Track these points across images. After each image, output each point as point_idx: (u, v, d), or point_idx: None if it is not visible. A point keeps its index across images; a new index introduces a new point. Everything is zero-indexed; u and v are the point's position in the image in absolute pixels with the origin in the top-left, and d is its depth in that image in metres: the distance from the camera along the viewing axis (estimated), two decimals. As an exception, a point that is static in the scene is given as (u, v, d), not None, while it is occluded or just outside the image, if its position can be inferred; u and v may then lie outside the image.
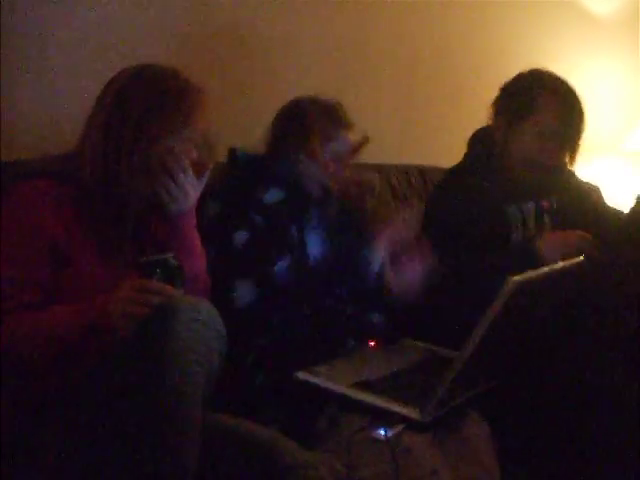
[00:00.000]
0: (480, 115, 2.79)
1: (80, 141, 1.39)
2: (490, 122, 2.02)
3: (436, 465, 1.34)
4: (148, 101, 1.35)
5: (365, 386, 1.43)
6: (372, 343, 1.68)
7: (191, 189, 1.38)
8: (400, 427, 1.32)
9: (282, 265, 1.63)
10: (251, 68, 2.37)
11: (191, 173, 1.37)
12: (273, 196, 1.68)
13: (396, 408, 1.35)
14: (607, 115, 3.17)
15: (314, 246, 1.72)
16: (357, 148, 1.80)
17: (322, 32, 2.49)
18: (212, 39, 2.32)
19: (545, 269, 1.38)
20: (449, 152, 2.46)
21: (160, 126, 1.35)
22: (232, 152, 1.79)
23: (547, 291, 1.46)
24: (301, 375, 1.46)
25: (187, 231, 1.43)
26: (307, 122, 1.79)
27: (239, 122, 2.18)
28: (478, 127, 2.33)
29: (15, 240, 1.30)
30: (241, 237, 1.62)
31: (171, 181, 1.36)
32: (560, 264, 1.45)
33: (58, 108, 1.97)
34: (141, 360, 1.13)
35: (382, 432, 1.30)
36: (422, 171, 2.48)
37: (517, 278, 1.23)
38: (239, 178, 1.73)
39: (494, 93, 2.79)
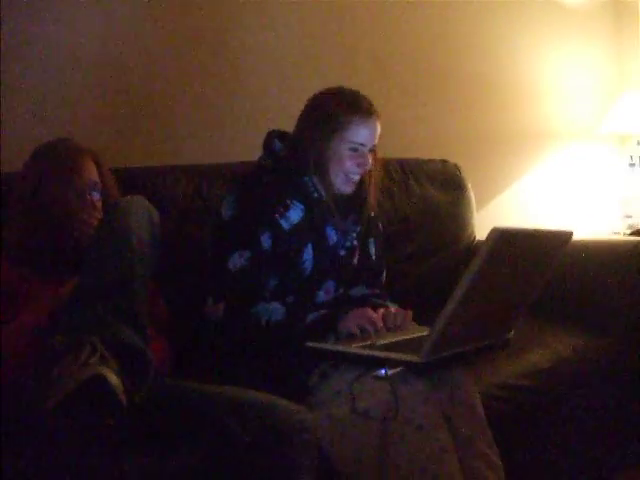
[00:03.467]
0: (457, 108, 3.00)
1: None
2: None
3: (429, 394, 1.58)
4: (42, 171, 1.81)
5: (368, 347, 1.67)
6: None
7: (89, 219, 1.81)
8: (399, 368, 1.53)
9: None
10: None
11: (88, 210, 1.81)
12: (295, 215, 1.93)
13: (396, 355, 1.57)
14: (583, 101, 3.39)
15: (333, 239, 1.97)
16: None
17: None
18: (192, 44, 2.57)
19: (530, 228, 1.57)
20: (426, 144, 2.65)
21: (54, 186, 1.79)
22: (269, 138, 2.02)
23: (529, 249, 1.61)
24: (310, 343, 1.73)
25: None
26: (327, 111, 1.94)
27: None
28: (452, 121, 2.46)
29: None
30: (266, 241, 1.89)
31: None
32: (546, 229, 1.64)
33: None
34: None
35: (383, 371, 1.53)
36: (402, 164, 2.71)
37: (501, 227, 1.43)
38: (268, 184, 1.95)
39: (471, 86, 3.01)
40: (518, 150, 3.27)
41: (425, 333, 1.77)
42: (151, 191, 2.20)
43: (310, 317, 1.81)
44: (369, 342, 1.68)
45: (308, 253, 1.93)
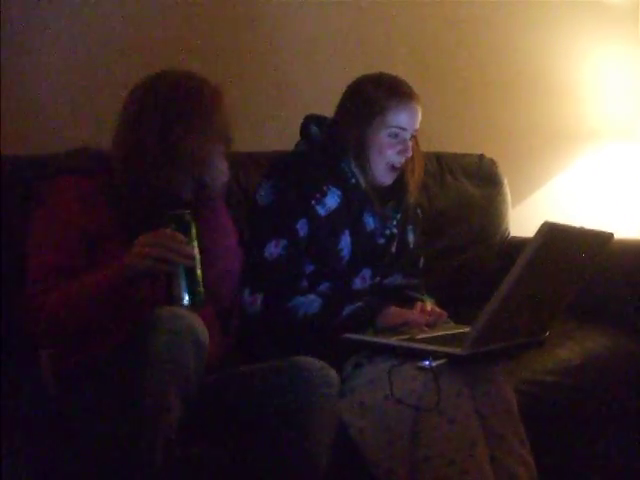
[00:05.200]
0: (496, 103, 2.97)
1: (113, 144, 1.62)
2: None
3: (463, 389, 1.59)
4: (168, 108, 1.57)
5: (407, 340, 1.69)
6: None
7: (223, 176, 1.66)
8: (443, 360, 1.53)
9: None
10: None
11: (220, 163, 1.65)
12: (332, 201, 1.91)
13: (438, 347, 1.59)
14: (622, 100, 3.32)
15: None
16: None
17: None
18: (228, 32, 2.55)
19: (575, 226, 1.57)
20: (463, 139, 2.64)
21: (183, 129, 1.57)
22: (306, 122, 1.99)
23: (572, 247, 1.61)
24: (349, 335, 1.74)
25: (220, 208, 1.73)
26: (367, 96, 1.93)
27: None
28: (490, 116, 2.44)
29: (49, 231, 1.50)
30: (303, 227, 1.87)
31: (210, 169, 1.61)
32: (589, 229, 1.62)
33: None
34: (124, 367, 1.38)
35: (427, 362, 1.53)
36: (438, 157, 2.71)
37: (551, 222, 1.44)
38: (304, 170, 1.93)
39: (510, 82, 2.98)
40: (556, 148, 3.24)
41: (461, 330, 1.79)
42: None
43: (347, 310, 1.81)
44: (408, 336, 1.70)
45: (345, 240, 1.91)
